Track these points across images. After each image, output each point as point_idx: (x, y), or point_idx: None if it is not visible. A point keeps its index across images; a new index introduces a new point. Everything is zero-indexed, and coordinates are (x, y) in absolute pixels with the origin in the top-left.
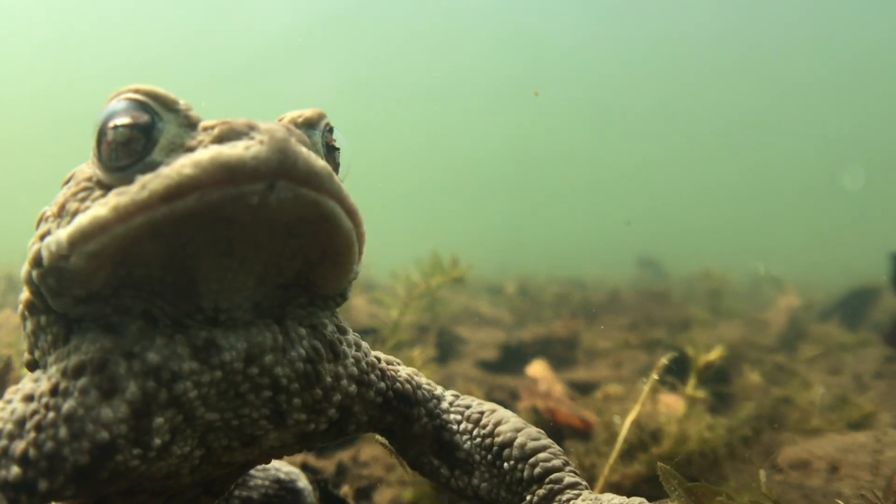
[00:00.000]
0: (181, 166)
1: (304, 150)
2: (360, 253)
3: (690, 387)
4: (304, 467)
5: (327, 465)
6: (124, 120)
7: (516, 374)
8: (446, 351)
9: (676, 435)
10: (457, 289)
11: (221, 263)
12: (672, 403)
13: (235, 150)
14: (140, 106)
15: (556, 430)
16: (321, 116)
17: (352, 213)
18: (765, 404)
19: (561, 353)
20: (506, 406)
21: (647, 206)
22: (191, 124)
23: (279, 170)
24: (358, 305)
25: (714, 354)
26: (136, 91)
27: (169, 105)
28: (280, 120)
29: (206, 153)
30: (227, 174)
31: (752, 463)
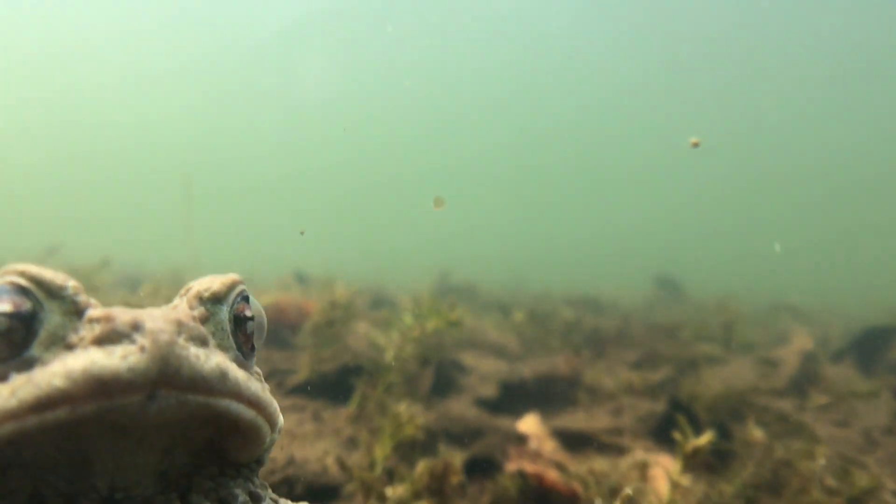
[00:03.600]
0: (52, 375)
1: (191, 353)
2: (274, 425)
3: (676, 472)
4: None
5: None
6: (4, 307)
7: (514, 415)
8: (445, 385)
9: None
10: (464, 305)
11: (118, 444)
12: (664, 472)
13: (111, 360)
14: (23, 291)
15: (543, 495)
16: (231, 287)
17: (254, 403)
18: (765, 466)
19: (562, 392)
20: (494, 460)
21: (667, 220)
22: (77, 311)
23: (159, 380)
24: (359, 330)
25: (704, 439)
26: (22, 274)
27: (55, 291)
28: (187, 291)
29: (79, 362)
30: (100, 387)
31: None
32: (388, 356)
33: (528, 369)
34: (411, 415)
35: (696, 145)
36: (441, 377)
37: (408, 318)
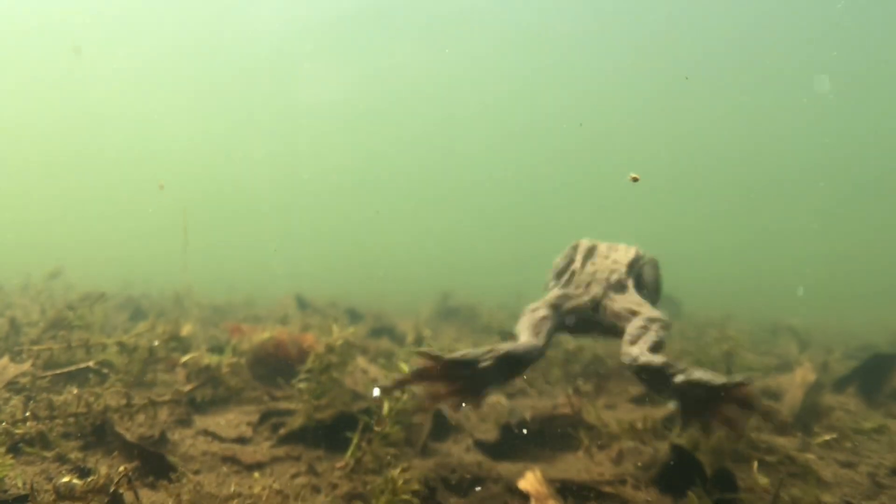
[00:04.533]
0: None
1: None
2: None
3: None
4: None
5: None
6: None
7: (515, 459)
8: (443, 426)
9: None
10: (464, 330)
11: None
12: None
13: None
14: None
15: None
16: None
17: None
18: None
19: (562, 433)
20: None
21: (666, 233)
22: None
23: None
24: (357, 365)
25: None
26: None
27: None
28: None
29: None
30: None
31: None
32: (385, 409)
33: (528, 409)
34: (408, 478)
35: (635, 180)
36: (439, 417)
37: (405, 368)
